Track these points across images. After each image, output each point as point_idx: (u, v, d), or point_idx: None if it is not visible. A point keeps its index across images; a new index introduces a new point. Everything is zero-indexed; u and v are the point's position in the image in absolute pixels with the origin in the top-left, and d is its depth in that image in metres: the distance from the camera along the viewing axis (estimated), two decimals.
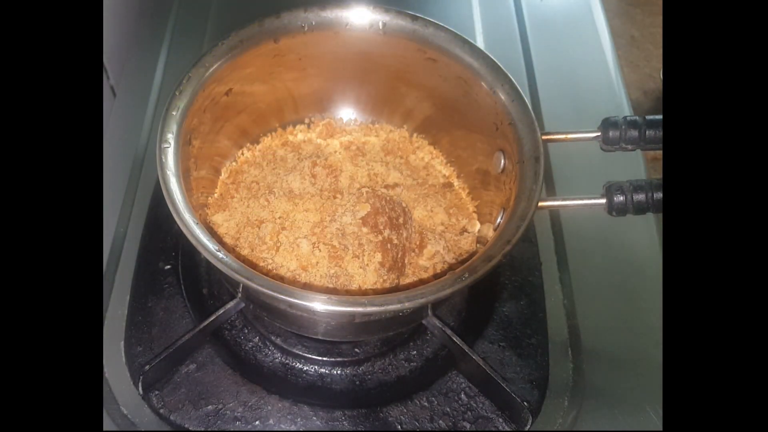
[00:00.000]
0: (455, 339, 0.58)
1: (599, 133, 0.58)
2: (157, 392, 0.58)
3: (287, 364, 0.63)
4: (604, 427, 0.59)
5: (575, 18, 0.96)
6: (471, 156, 0.68)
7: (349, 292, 0.58)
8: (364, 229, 0.59)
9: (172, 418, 0.57)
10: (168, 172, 0.53)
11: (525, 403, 0.56)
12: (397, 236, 0.60)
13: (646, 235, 0.72)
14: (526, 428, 0.57)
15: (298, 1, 0.63)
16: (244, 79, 0.64)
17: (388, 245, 0.59)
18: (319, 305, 0.47)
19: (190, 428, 0.56)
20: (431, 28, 0.62)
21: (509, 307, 0.65)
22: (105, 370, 0.59)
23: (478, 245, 0.64)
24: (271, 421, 0.57)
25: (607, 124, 0.57)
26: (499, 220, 0.61)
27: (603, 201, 0.56)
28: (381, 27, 0.63)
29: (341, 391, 0.61)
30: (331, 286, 0.58)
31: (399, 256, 0.60)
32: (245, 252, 0.61)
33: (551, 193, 0.75)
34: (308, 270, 0.59)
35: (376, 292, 0.58)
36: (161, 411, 0.57)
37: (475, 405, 0.59)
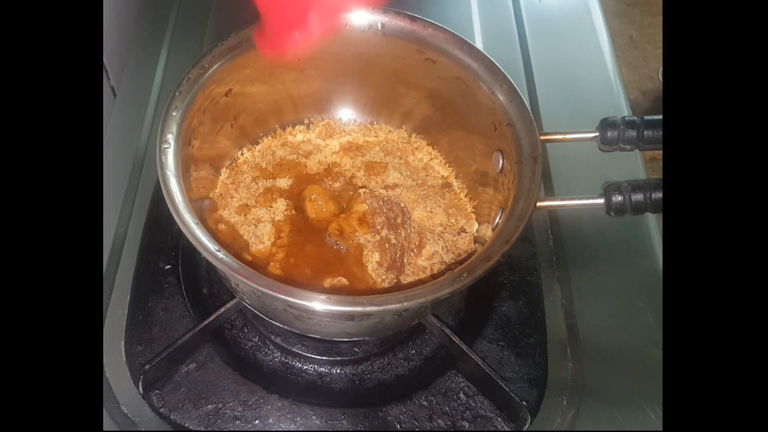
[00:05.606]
0: (454, 338, 0.58)
1: (597, 134, 0.58)
2: (157, 391, 0.58)
3: (287, 363, 0.63)
4: (603, 427, 0.59)
5: (574, 18, 0.96)
6: (470, 156, 0.68)
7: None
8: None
9: (172, 417, 0.57)
10: (168, 172, 0.53)
11: (524, 403, 0.56)
12: (395, 236, 0.60)
13: (645, 235, 0.72)
14: (525, 428, 0.57)
15: None
16: (243, 79, 0.64)
17: (386, 245, 0.59)
18: (319, 305, 0.47)
19: (190, 427, 0.57)
20: (430, 28, 0.63)
21: (508, 307, 0.65)
22: (105, 369, 0.59)
23: (476, 245, 0.64)
24: (270, 421, 0.57)
25: (605, 125, 0.58)
26: (497, 220, 0.61)
27: (601, 201, 0.56)
28: (380, 28, 0.63)
29: (341, 390, 0.62)
30: None
31: (398, 255, 0.60)
32: None
33: (550, 193, 0.75)
34: None
35: (376, 292, 0.58)
36: (161, 410, 0.57)
37: (474, 404, 0.59)
